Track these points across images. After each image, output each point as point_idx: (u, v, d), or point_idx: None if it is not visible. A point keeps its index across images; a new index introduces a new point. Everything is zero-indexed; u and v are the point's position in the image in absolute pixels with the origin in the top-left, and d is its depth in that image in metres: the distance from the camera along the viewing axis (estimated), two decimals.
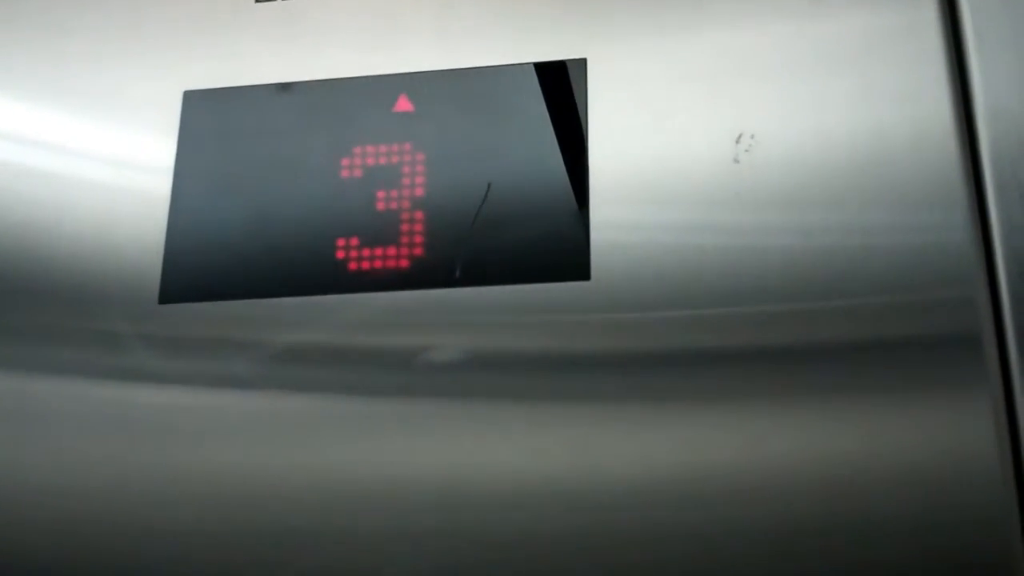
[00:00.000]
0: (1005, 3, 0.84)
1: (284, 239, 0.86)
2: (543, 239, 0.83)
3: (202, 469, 0.80)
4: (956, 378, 0.75)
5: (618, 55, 0.87)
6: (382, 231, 0.85)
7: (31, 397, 0.84)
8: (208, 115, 0.90)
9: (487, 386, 0.80)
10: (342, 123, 0.88)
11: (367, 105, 0.89)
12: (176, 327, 0.84)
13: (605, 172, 0.84)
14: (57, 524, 0.80)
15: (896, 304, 0.77)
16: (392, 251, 0.84)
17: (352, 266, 0.84)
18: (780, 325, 0.78)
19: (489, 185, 0.85)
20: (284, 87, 0.90)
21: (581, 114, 0.86)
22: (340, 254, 0.84)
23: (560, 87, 0.88)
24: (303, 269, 0.85)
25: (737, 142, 0.83)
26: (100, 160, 0.91)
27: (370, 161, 0.87)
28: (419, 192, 0.85)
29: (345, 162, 0.87)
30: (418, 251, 0.84)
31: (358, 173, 0.86)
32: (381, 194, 0.86)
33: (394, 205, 0.85)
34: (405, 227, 0.85)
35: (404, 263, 0.84)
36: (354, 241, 0.85)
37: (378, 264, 0.84)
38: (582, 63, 0.88)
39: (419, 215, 0.85)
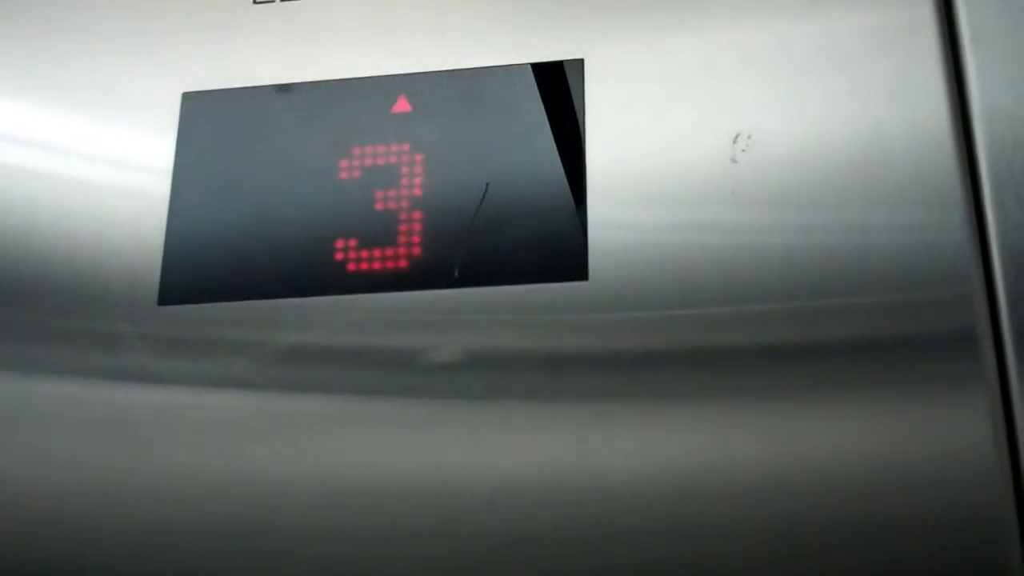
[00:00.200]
0: (1001, 2, 0.84)
1: (283, 240, 0.86)
2: (541, 239, 0.83)
3: (201, 470, 0.80)
4: (952, 376, 0.75)
5: (615, 55, 0.88)
6: (381, 231, 0.85)
7: (30, 398, 0.84)
8: (207, 116, 0.90)
9: (486, 386, 0.80)
10: (341, 124, 0.88)
11: (366, 106, 0.89)
12: (175, 328, 0.84)
13: (602, 172, 0.84)
14: (56, 525, 0.80)
15: (892, 302, 0.77)
16: (391, 251, 0.84)
17: (351, 267, 0.84)
18: (777, 324, 0.78)
19: (487, 185, 0.85)
20: (282, 88, 0.91)
21: (578, 114, 0.86)
22: (339, 255, 0.85)
23: (557, 87, 0.88)
24: (302, 270, 0.85)
25: (734, 142, 0.83)
26: (98, 161, 0.91)
27: (368, 162, 0.87)
28: (417, 192, 0.86)
29: (344, 163, 0.87)
30: (416, 251, 0.84)
31: (357, 174, 0.87)
32: (380, 194, 0.86)
33: (392, 205, 0.85)
34: (403, 227, 0.85)
35: (403, 263, 0.84)
36: (353, 242, 0.85)
37: (377, 265, 0.84)
38: (579, 63, 0.88)
39: (417, 215, 0.85)
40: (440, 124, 0.88)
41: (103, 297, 0.86)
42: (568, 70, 0.88)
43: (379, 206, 0.86)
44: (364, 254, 0.84)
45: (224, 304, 0.85)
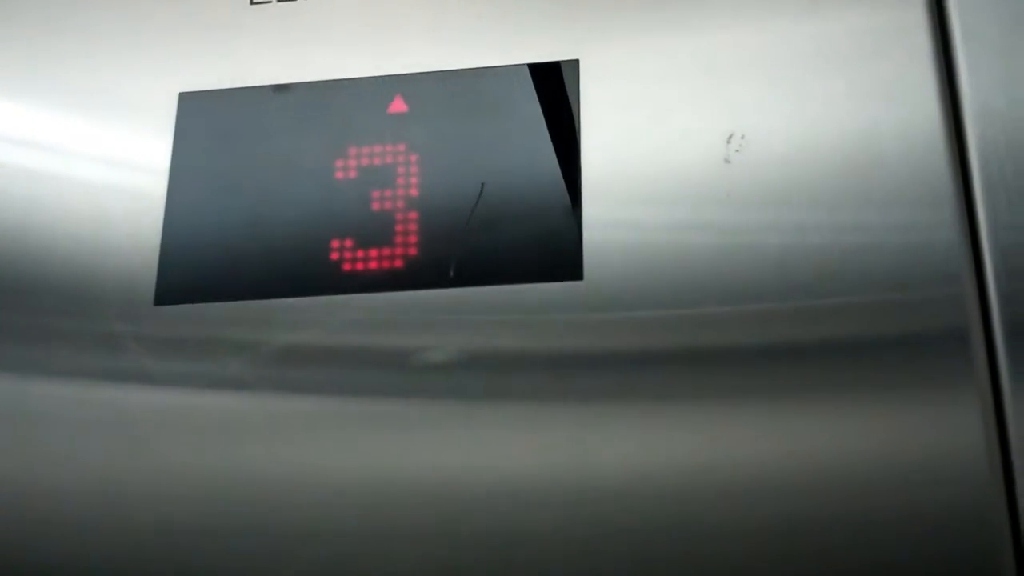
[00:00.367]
0: (993, 4, 0.85)
1: (279, 240, 0.86)
2: (536, 239, 0.83)
3: (198, 470, 0.80)
4: (944, 375, 0.75)
5: (610, 56, 0.88)
6: (376, 232, 0.85)
7: (27, 398, 0.84)
8: (203, 117, 0.91)
9: (482, 386, 0.80)
10: (337, 124, 0.89)
11: (362, 106, 0.89)
12: (172, 328, 0.85)
13: (598, 172, 0.85)
14: (53, 525, 0.81)
15: (885, 302, 0.78)
16: (387, 251, 0.85)
17: (347, 267, 0.84)
18: (771, 324, 0.78)
19: (483, 185, 0.85)
20: (279, 88, 0.91)
21: (574, 115, 0.87)
22: (335, 255, 0.85)
23: (553, 88, 0.88)
24: (298, 270, 0.85)
25: (728, 142, 0.84)
26: (96, 161, 0.91)
27: (364, 162, 0.87)
28: (413, 192, 0.86)
29: (339, 163, 0.87)
30: (412, 251, 0.84)
31: (352, 174, 0.87)
32: (376, 194, 0.86)
33: (388, 205, 0.86)
34: (399, 227, 0.85)
35: (398, 263, 0.84)
36: (348, 242, 0.85)
37: (372, 265, 0.84)
38: (575, 64, 0.88)
39: (413, 215, 0.85)
40: (436, 124, 0.88)
41: (100, 297, 0.86)
42: (564, 70, 0.88)
43: (375, 206, 0.86)
44: (360, 254, 0.85)
45: (220, 304, 0.85)
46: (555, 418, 0.78)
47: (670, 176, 0.84)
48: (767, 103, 0.84)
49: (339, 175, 0.87)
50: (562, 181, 0.85)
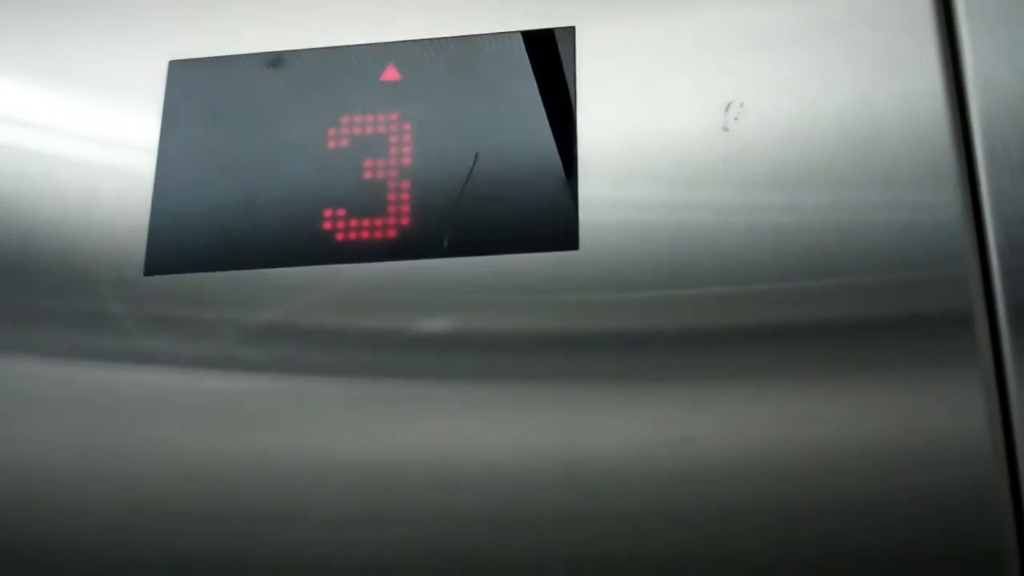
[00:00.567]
0: None
1: (271, 210, 0.85)
2: (531, 209, 0.83)
3: (185, 448, 0.80)
4: (947, 356, 0.75)
5: (607, 23, 0.87)
6: (369, 201, 0.84)
7: (13, 377, 0.83)
8: (193, 85, 0.89)
9: (473, 363, 0.79)
10: (329, 93, 0.87)
11: (354, 75, 0.88)
12: (162, 299, 0.84)
13: (593, 141, 0.84)
14: (39, 506, 0.80)
15: (886, 282, 0.77)
16: (379, 221, 0.84)
17: (339, 236, 0.84)
18: (769, 304, 0.78)
19: (477, 155, 0.84)
20: (270, 57, 0.89)
21: (569, 82, 0.85)
22: (327, 225, 0.84)
23: (548, 55, 0.87)
24: (290, 240, 0.84)
25: (726, 110, 0.83)
26: (84, 136, 0.90)
27: (357, 131, 0.86)
28: (406, 162, 0.85)
29: (332, 132, 0.86)
30: (405, 221, 0.83)
31: (345, 143, 0.86)
32: (368, 164, 0.85)
33: (381, 175, 0.85)
34: (392, 196, 0.84)
35: (391, 233, 0.83)
36: (341, 212, 0.84)
37: (365, 235, 0.83)
38: (570, 31, 0.87)
39: (406, 185, 0.84)
40: (429, 93, 0.87)
41: (88, 272, 0.85)
42: (559, 38, 0.87)
43: (367, 175, 0.85)
44: (353, 224, 0.84)
45: (211, 275, 0.84)
46: (548, 397, 0.78)
47: (667, 144, 0.83)
48: (766, 72, 0.83)
49: (331, 144, 0.86)
50: (557, 150, 0.84)
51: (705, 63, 0.84)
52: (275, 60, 0.89)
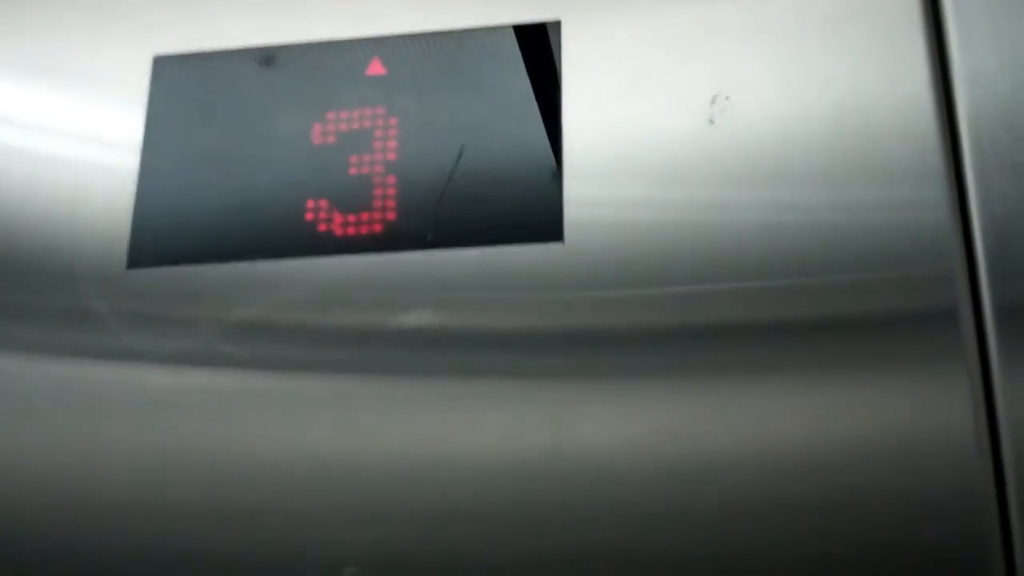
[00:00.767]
0: None
1: (256, 205, 0.85)
2: (516, 201, 0.82)
3: (164, 439, 0.79)
4: (934, 353, 0.74)
5: (593, 16, 0.86)
6: (355, 196, 0.84)
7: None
8: (178, 80, 0.89)
9: (461, 352, 0.79)
10: (314, 87, 0.87)
11: (340, 69, 0.87)
12: (145, 293, 0.83)
13: (579, 133, 0.83)
14: (23, 506, 0.80)
15: (873, 280, 0.76)
16: (365, 216, 0.83)
17: (323, 230, 0.83)
18: (754, 301, 0.77)
19: (462, 148, 0.84)
20: (255, 51, 0.89)
21: (555, 76, 0.85)
22: (311, 218, 0.84)
23: (534, 49, 0.87)
24: (274, 234, 0.84)
25: (712, 103, 0.82)
26: (68, 130, 0.89)
27: (343, 126, 0.86)
28: (392, 156, 0.84)
29: (318, 127, 0.86)
30: (391, 215, 0.83)
31: (331, 139, 0.86)
32: (354, 159, 0.85)
33: (367, 170, 0.84)
34: (378, 191, 0.84)
35: (377, 228, 0.83)
36: (326, 205, 0.84)
37: (351, 229, 0.83)
38: (556, 25, 0.86)
39: (391, 179, 0.84)
40: (415, 87, 0.86)
41: (71, 268, 0.85)
42: (545, 32, 0.86)
43: (353, 170, 0.84)
44: (338, 218, 0.83)
45: (195, 267, 0.84)
46: (534, 393, 0.77)
47: (653, 137, 0.83)
48: (752, 66, 0.83)
49: (317, 139, 0.85)
50: (542, 143, 0.84)
51: (691, 56, 0.84)
52: (267, 59, 0.89)
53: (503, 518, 0.75)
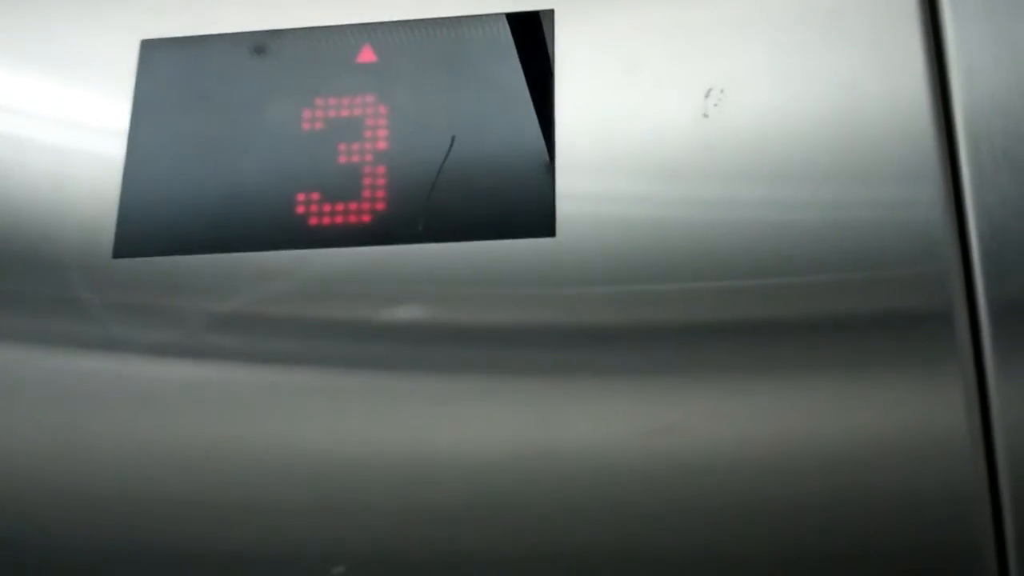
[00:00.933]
0: None
1: (243, 193, 0.84)
2: (508, 194, 0.82)
3: (151, 430, 0.79)
4: (928, 352, 0.74)
5: (587, 6, 0.86)
6: (343, 185, 0.83)
7: None
8: (165, 65, 0.88)
9: (450, 346, 0.78)
10: (304, 74, 0.86)
11: (330, 55, 0.87)
12: (130, 284, 0.82)
13: (571, 126, 0.83)
14: (11, 497, 0.79)
15: (866, 279, 0.76)
16: (353, 206, 0.82)
17: (312, 221, 0.82)
18: (747, 300, 0.77)
19: (453, 138, 0.83)
20: (243, 37, 0.88)
21: (548, 66, 0.84)
22: (300, 209, 0.83)
23: (527, 38, 0.86)
24: (262, 224, 0.83)
25: (706, 96, 0.82)
26: (54, 115, 0.88)
27: (332, 113, 0.85)
28: (381, 145, 0.84)
29: (307, 114, 0.85)
30: (380, 206, 0.82)
31: (319, 125, 0.85)
32: (343, 147, 0.84)
33: (356, 159, 0.83)
34: (367, 181, 0.83)
35: (366, 218, 0.82)
36: (315, 196, 0.83)
37: (339, 220, 0.82)
38: (549, 14, 0.86)
39: (381, 169, 0.83)
40: (406, 75, 0.85)
41: (57, 258, 0.84)
42: (538, 21, 0.86)
43: (342, 159, 0.83)
44: (327, 208, 0.83)
45: (181, 258, 0.83)
46: (523, 389, 0.77)
47: (646, 130, 0.82)
48: (747, 59, 0.82)
49: (306, 126, 0.85)
50: (535, 135, 0.83)
51: (686, 48, 0.83)
52: (257, 45, 0.87)
53: (493, 513, 0.75)
